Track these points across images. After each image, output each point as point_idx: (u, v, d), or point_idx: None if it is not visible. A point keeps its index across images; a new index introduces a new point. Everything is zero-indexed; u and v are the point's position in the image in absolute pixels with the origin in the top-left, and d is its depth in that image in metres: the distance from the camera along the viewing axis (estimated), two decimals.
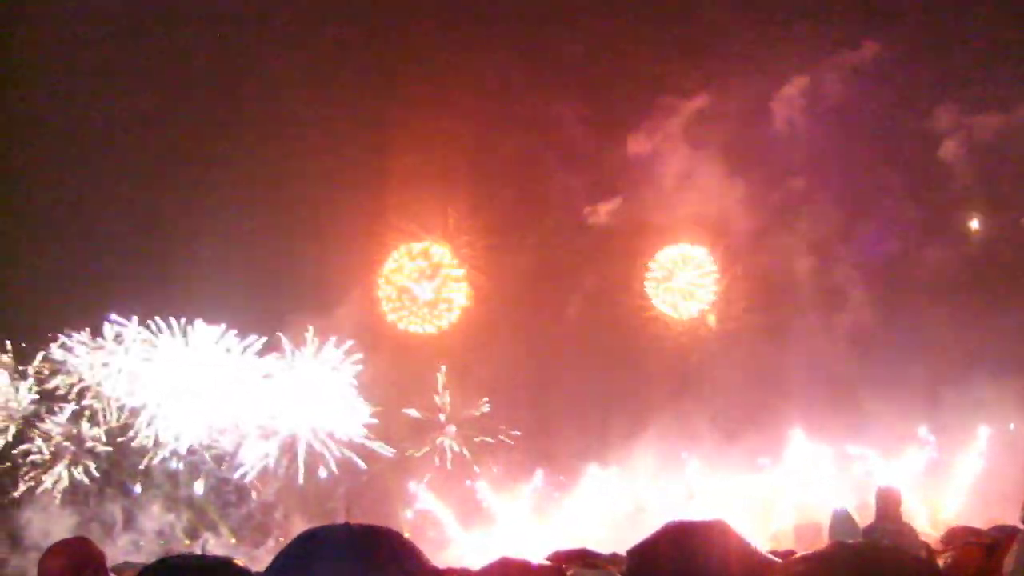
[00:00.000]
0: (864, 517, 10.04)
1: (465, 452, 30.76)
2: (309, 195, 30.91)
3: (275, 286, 30.32)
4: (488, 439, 30.85)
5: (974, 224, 31.09)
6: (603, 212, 32.58)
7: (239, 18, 31.23)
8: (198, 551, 24.00)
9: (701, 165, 30.98)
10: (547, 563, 8.67)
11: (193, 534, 27.62)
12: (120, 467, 28.43)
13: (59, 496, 27.25)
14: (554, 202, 32.75)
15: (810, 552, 6.08)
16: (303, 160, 31.31)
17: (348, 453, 28.71)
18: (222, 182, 30.41)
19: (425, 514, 29.80)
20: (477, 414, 30.86)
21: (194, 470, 28.54)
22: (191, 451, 27.81)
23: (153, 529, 27.43)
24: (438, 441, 30.68)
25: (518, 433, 30.89)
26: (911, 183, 30.62)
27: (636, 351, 31.36)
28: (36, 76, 29.81)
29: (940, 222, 30.93)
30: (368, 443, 29.03)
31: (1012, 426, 27.60)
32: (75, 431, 27.82)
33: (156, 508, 27.93)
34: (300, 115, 31.22)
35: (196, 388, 27.45)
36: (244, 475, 28.35)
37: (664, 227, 32.42)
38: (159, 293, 28.91)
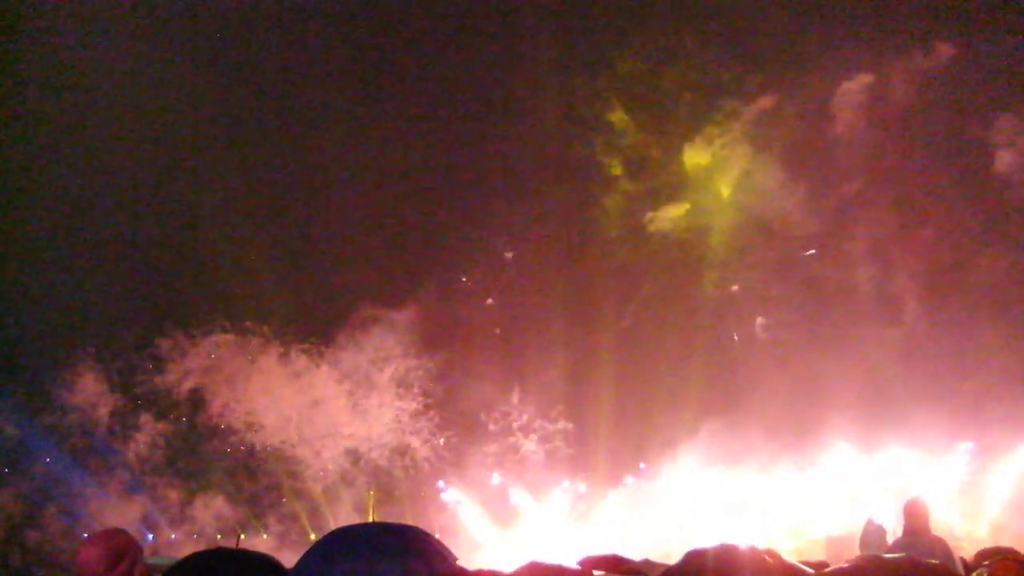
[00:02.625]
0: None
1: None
2: (363, 197, 31.17)
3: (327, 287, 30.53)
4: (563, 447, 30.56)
5: None
6: (663, 218, 32.59)
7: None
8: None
9: (759, 170, 30.83)
10: (578, 568, 8.77)
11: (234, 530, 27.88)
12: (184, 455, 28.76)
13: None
14: (614, 209, 32.77)
15: (839, 567, 6.10)
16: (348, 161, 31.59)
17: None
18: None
19: (456, 514, 29.83)
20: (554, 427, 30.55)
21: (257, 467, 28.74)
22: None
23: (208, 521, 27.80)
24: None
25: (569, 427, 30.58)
26: (969, 192, 30.00)
27: (687, 359, 31.00)
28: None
29: (996, 233, 30.20)
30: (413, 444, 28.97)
31: None
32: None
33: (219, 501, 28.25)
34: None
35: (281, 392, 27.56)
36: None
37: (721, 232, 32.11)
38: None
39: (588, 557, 11.62)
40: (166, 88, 31.02)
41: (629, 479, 30.66)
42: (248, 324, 27.52)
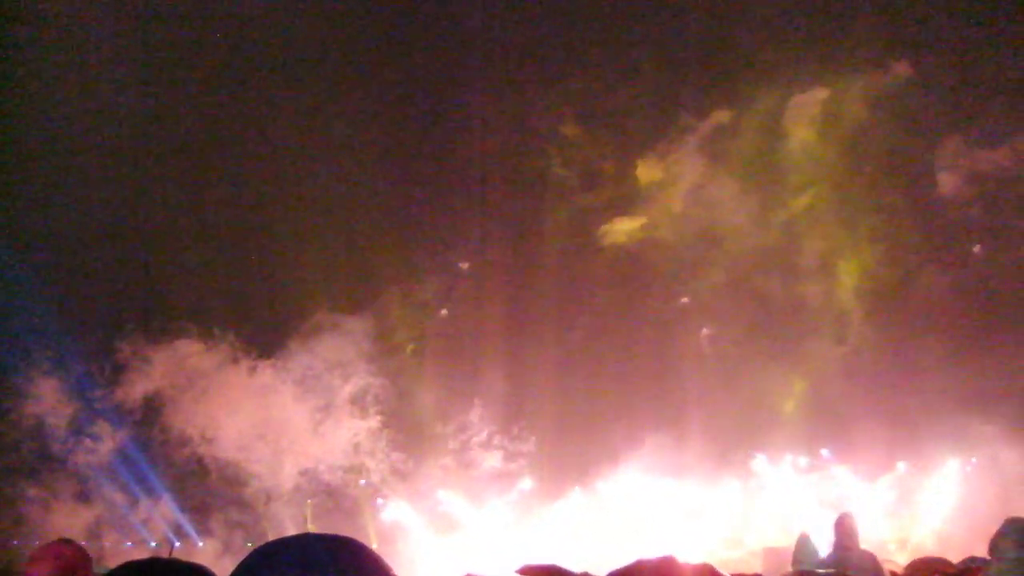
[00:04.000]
0: None
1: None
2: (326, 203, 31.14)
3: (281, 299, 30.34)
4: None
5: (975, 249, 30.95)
6: (616, 232, 32.89)
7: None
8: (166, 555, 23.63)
9: (712, 184, 31.19)
10: None
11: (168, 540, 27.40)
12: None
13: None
14: (567, 222, 33.06)
15: None
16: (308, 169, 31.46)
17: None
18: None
19: (395, 525, 29.69)
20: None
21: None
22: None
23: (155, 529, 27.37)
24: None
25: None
26: (914, 210, 30.73)
27: (635, 372, 31.26)
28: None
29: (938, 252, 30.90)
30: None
31: (974, 460, 27.73)
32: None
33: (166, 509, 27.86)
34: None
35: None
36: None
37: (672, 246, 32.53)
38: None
39: (527, 566, 12.54)
40: (122, 89, 30.61)
41: (575, 491, 30.83)
42: (214, 331, 27.19)
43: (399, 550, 27.06)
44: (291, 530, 25.08)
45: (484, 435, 30.36)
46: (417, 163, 33.31)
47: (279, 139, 31.43)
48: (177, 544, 24.52)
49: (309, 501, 27.01)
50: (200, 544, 27.91)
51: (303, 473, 27.18)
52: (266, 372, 27.46)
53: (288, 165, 31.51)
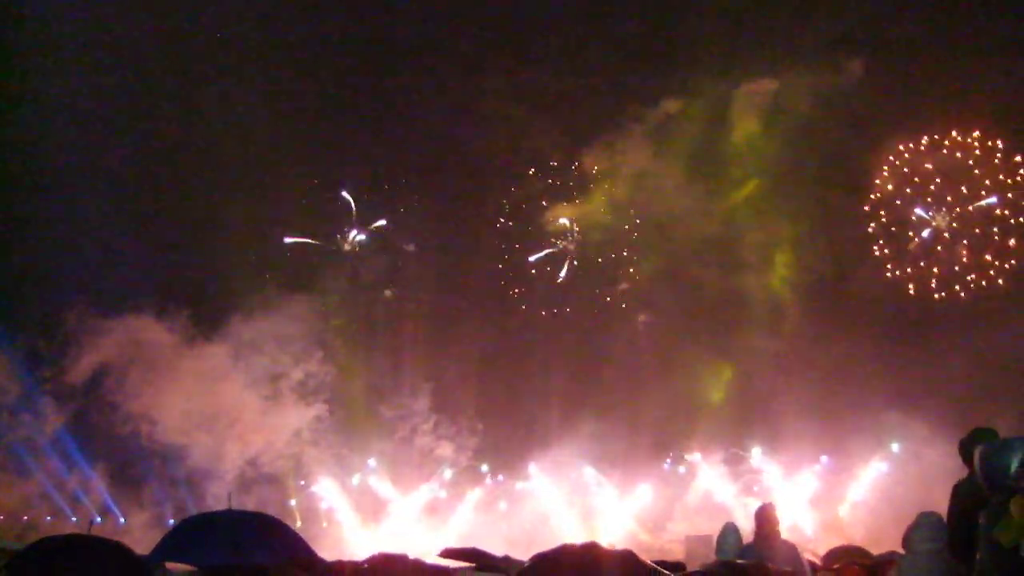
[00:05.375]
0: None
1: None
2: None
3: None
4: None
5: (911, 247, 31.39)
6: (560, 218, 32.98)
7: None
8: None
9: (657, 173, 31.33)
10: (422, 560, 9.11)
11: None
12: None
13: None
14: (512, 207, 33.06)
15: (696, 571, 6.39)
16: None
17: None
18: None
19: (319, 506, 29.49)
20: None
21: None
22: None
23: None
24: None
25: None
26: (854, 208, 31.05)
27: (570, 359, 31.09)
28: None
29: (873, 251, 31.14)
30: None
31: (895, 446, 28.35)
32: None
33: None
34: None
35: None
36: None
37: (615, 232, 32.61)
38: None
39: (447, 549, 12.19)
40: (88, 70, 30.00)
41: (502, 475, 31.00)
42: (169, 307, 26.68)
43: (323, 530, 26.92)
44: (216, 507, 24.74)
45: (416, 418, 30.29)
46: (360, 140, 32.89)
47: (222, 119, 30.82)
48: (98, 520, 24.11)
49: (230, 478, 26.59)
50: (123, 520, 27.44)
51: (235, 447, 26.88)
52: (206, 349, 27.02)
53: (233, 139, 30.95)
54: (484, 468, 30.78)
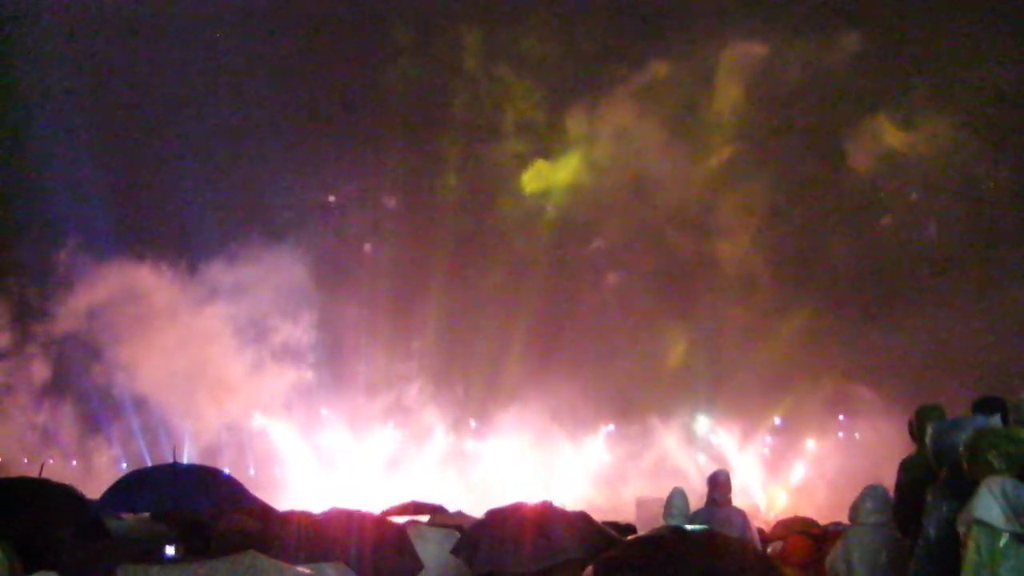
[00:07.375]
0: None
1: None
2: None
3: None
4: None
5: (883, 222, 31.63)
6: (540, 177, 32.80)
7: None
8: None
9: (639, 135, 31.16)
10: (372, 512, 9.22)
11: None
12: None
13: None
14: (494, 165, 32.92)
15: (645, 534, 6.44)
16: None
17: None
18: None
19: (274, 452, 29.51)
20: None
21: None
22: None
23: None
24: None
25: None
26: (831, 183, 31.19)
27: (537, 319, 31.06)
28: None
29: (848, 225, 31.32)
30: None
31: (841, 417, 28.77)
32: None
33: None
34: None
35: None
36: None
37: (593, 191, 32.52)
38: None
39: (389, 508, 13.29)
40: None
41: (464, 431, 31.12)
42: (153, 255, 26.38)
43: (276, 477, 26.88)
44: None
45: (380, 372, 30.28)
46: (342, 93, 32.48)
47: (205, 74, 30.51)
48: (50, 461, 23.92)
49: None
50: (74, 463, 27.29)
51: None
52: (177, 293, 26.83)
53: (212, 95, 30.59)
54: (440, 424, 30.88)
